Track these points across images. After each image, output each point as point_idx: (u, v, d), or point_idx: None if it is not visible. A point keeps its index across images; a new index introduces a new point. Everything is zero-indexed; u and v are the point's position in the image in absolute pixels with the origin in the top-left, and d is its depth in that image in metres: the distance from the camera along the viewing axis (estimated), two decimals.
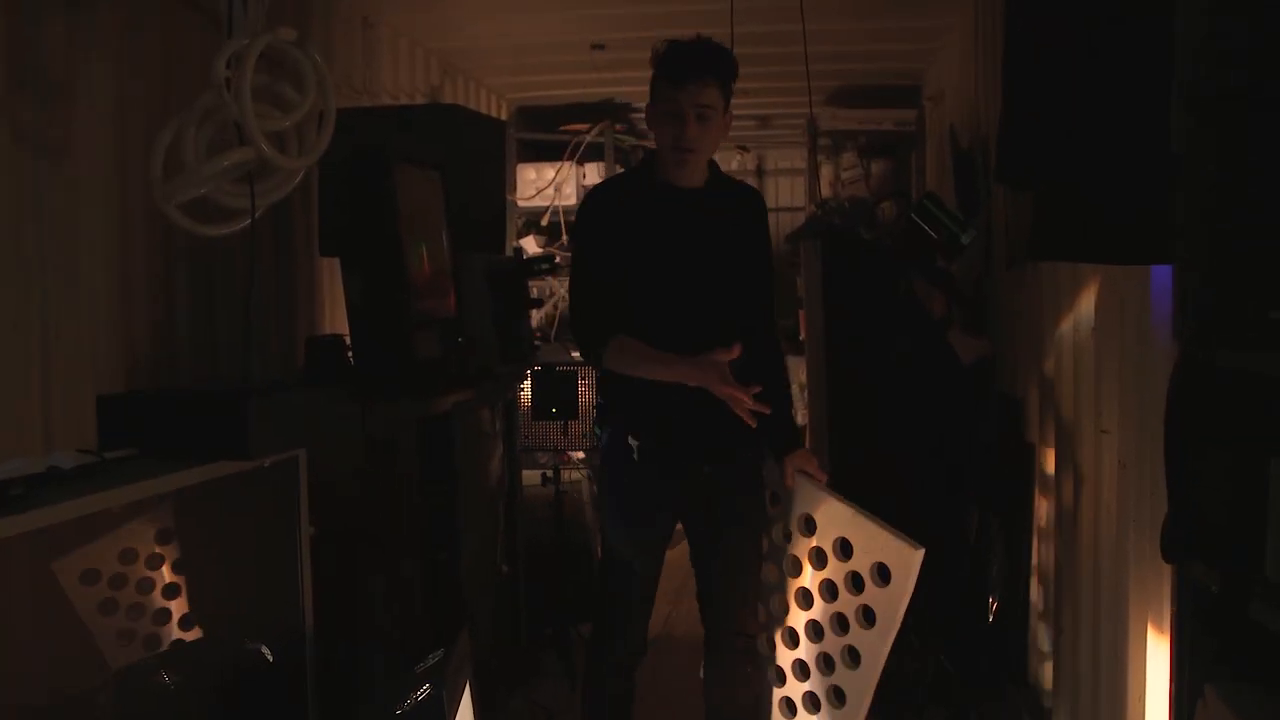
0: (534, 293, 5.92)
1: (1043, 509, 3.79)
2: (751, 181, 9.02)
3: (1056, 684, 3.60)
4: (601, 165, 7.35)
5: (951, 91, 5.78)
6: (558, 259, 5.42)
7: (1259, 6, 1.62)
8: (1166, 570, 2.13)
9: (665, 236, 3.00)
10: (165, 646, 2.39)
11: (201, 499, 2.43)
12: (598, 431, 3.13)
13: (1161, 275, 2.50)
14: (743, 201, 3.14)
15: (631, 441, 3.03)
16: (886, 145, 7.39)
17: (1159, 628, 2.71)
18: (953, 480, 4.49)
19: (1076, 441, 3.36)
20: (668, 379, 2.91)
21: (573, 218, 7.55)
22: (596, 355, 3.03)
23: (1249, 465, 1.54)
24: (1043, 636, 3.79)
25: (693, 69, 2.89)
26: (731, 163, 8.97)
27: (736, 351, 2.85)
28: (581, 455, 5.31)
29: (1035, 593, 3.87)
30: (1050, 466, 3.68)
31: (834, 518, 2.95)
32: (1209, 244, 1.63)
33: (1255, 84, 1.64)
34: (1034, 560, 3.87)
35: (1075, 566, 3.36)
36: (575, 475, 5.31)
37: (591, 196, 3.15)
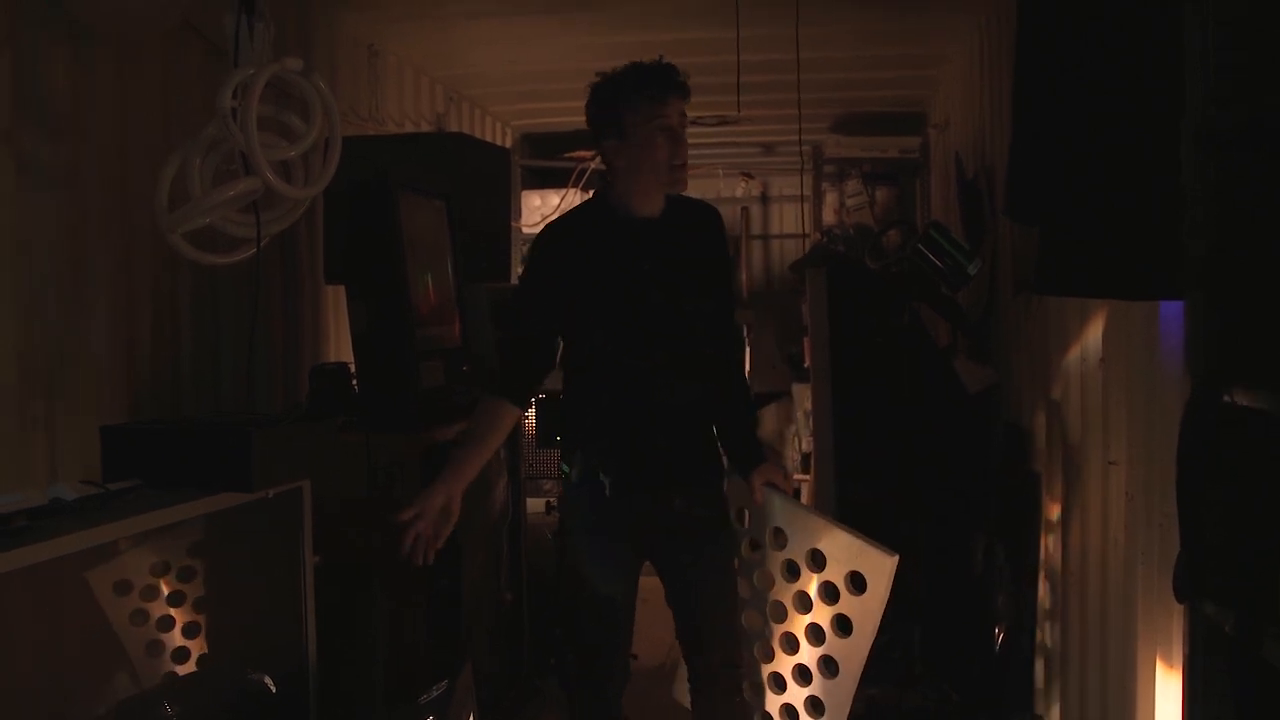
0: None
1: (1050, 539, 3.77)
2: (756, 208, 9.10)
3: (1064, 716, 3.57)
4: None
5: (956, 119, 5.78)
6: None
7: (1262, 43, 1.61)
8: (1175, 604, 2.12)
9: (631, 272, 2.93)
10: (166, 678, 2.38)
11: (204, 529, 2.42)
12: (564, 469, 3.08)
13: (1170, 306, 2.50)
14: (701, 221, 3.06)
15: (603, 478, 2.96)
16: (891, 172, 7.39)
17: (1168, 662, 2.69)
18: (958, 509, 4.47)
19: (1084, 473, 3.35)
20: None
21: None
22: (481, 398, 3.02)
23: (1262, 504, 1.53)
24: (1050, 668, 3.76)
25: (675, 83, 2.86)
26: (736, 189, 8.98)
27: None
28: None
29: (1042, 623, 3.84)
30: (1057, 497, 3.66)
31: (805, 529, 2.94)
32: (1219, 280, 1.62)
33: (1259, 118, 1.64)
34: (1041, 590, 3.85)
35: (1083, 598, 3.34)
36: None
37: (546, 235, 3.02)
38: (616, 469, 2.95)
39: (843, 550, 2.87)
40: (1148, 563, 2.76)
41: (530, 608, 4.46)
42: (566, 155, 7.31)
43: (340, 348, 4.40)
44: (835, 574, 2.89)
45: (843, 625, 2.90)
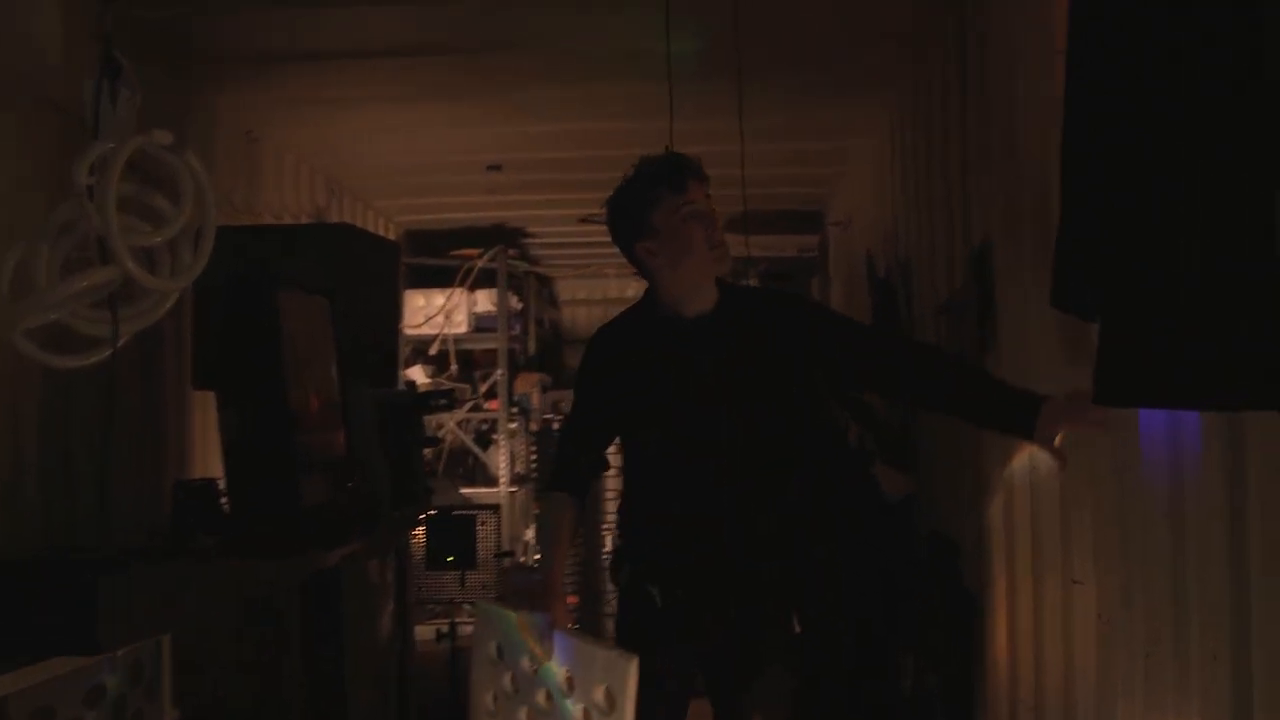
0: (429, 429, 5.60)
1: (993, 666, 3.51)
2: None
3: None
4: (494, 292, 7.29)
5: (862, 216, 5.69)
6: (455, 393, 5.12)
7: None
8: None
9: (684, 376, 2.89)
10: None
11: (46, 691, 2.03)
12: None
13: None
14: (768, 312, 2.99)
15: (651, 589, 2.88)
16: (788, 271, 7.39)
17: None
18: (882, 625, 4.24)
19: (1039, 593, 3.09)
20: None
21: (463, 346, 7.39)
22: (544, 494, 2.98)
23: None
24: None
25: (691, 168, 2.87)
26: (628, 290, 8.83)
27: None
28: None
29: None
30: (1002, 620, 3.41)
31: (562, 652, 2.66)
32: None
33: None
34: None
35: None
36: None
37: (598, 341, 3.04)
38: (667, 579, 2.89)
39: (586, 663, 2.61)
40: (1129, 695, 2.49)
41: None
42: (453, 254, 7.14)
43: (208, 462, 4.11)
44: (587, 696, 2.60)
45: None
